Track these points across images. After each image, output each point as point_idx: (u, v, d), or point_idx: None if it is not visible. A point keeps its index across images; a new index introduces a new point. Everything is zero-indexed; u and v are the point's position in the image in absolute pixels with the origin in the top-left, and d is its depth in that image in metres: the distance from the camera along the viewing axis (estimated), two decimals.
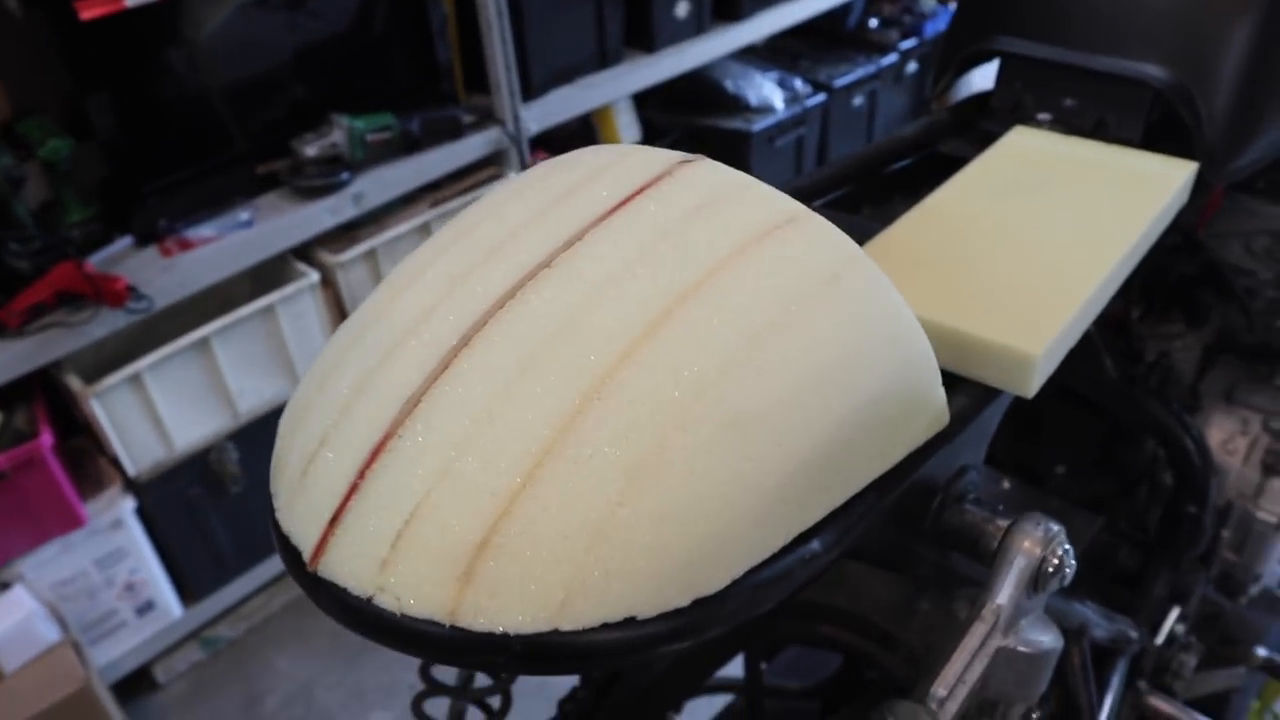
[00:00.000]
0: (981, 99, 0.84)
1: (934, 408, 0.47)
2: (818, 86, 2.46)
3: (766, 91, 2.38)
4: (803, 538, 0.42)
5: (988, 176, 0.70)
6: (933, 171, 0.83)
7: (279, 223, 1.66)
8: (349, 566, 0.38)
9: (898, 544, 0.51)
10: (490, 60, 1.84)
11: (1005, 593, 0.49)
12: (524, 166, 1.94)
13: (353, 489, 0.39)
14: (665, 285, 0.40)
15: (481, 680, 0.76)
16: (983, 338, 0.52)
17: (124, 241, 1.60)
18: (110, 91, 1.53)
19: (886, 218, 0.80)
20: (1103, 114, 0.77)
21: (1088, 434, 0.97)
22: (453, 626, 0.37)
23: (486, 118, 1.91)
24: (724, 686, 1.10)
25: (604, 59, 2.07)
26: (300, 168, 1.71)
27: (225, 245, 1.61)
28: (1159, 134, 0.76)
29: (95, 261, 1.55)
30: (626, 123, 2.39)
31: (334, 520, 0.39)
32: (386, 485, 0.38)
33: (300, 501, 0.41)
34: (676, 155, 0.47)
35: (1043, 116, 0.79)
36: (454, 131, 1.85)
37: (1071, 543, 0.97)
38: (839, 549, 0.45)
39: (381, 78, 1.87)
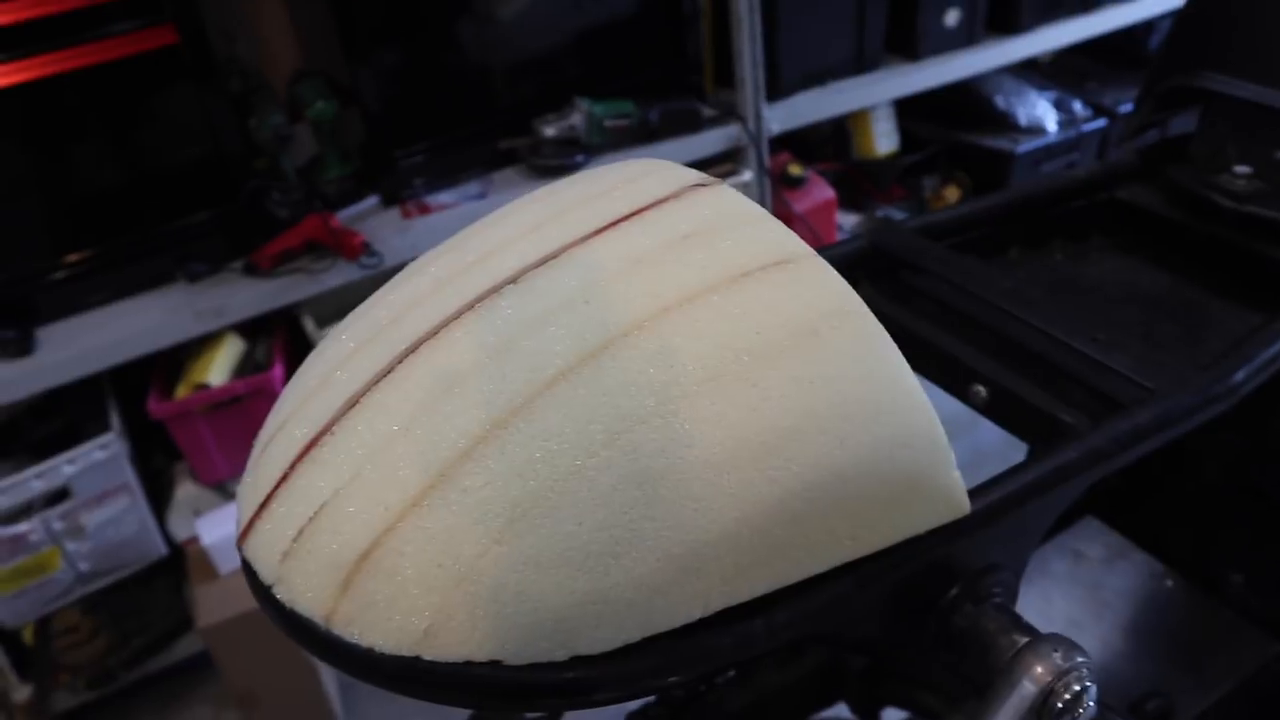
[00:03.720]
0: (1179, 143, 0.73)
1: (940, 493, 0.41)
2: (1099, 111, 2.24)
3: (1039, 111, 2.20)
4: (743, 612, 0.38)
5: None
6: (1104, 218, 0.74)
7: (510, 196, 1.72)
8: (262, 552, 0.39)
9: (901, 640, 0.46)
10: (737, 57, 1.82)
11: (1000, 718, 0.42)
12: (762, 165, 1.92)
13: (283, 478, 0.40)
14: (614, 318, 0.37)
15: None
16: None
17: (372, 200, 1.73)
18: (374, 63, 1.65)
19: (1039, 264, 0.72)
20: None
21: (1278, 538, 0.83)
22: (328, 632, 0.36)
23: (729, 114, 1.89)
24: None
25: (861, 64, 2.00)
26: (538, 146, 1.77)
27: (457, 214, 1.70)
28: None
29: (344, 216, 1.69)
30: (884, 130, 2.30)
31: (264, 504, 0.40)
32: (307, 480, 0.39)
33: (249, 478, 0.42)
34: (695, 177, 0.44)
35: (1241, 170, 0.67)
36: (693, 124, 1.85)
37: (1222, 674, 0.84)
38: (790, 632, 0.41)
39: (633, 65, 1.90)
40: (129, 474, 1.52)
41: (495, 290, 0.40)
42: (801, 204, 1.97)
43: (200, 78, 1.50)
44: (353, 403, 0.40)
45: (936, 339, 0.57)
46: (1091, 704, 0.42)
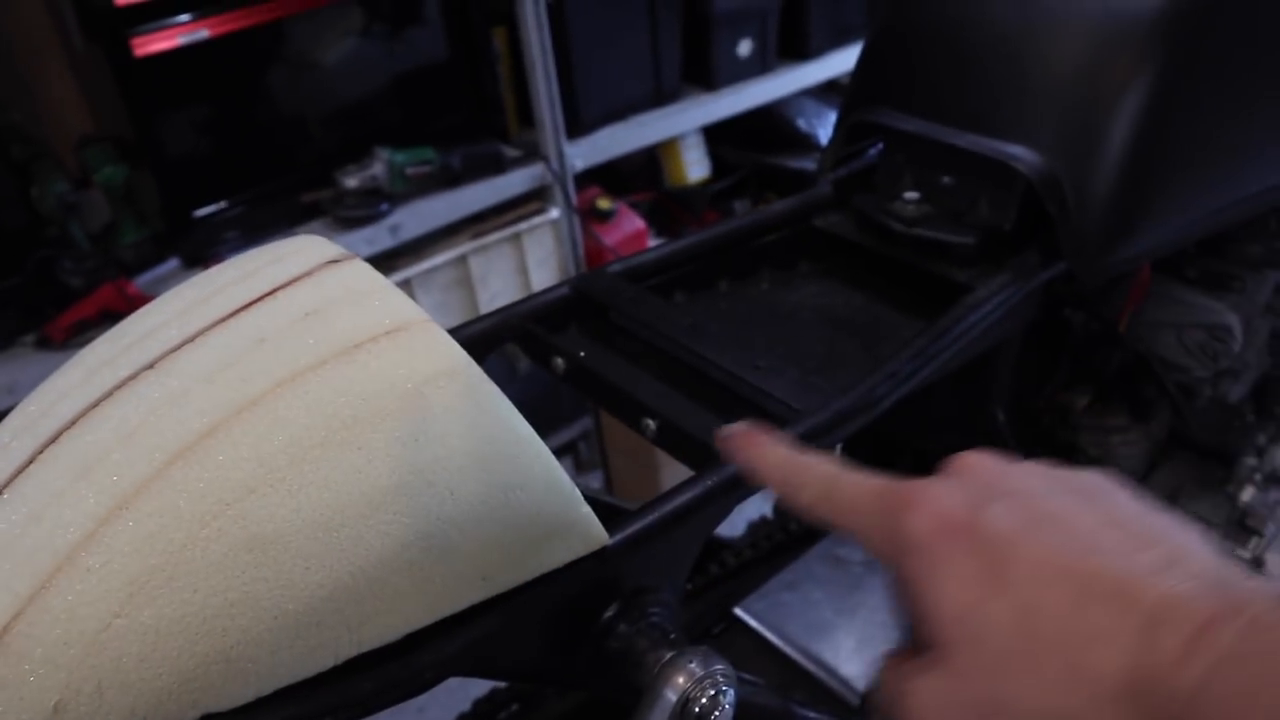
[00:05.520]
0: (866, 173, 0.80)
1: (572, 529, 0.45)
2: None
3: None
4: (386, 655, 0.42)
5: None
6: (806, 246, 0.81)
7: None
8: None
9: (563, 666, 0.50)
10: (535, 98, 1.87)
11: None
12: (568, 202, 1.97)
13: None
14: (230, 397, 0.41)
15: None
16: None
17: (173, 263, 1.71)
18: (164, 123, 1.64)
19: (746, 294, 0.79)
20: (976, 196, 0.73)
21: None
22: None
23: (532, 154, 1.94)
24: None
25: (660, 96, 2.08)
26: (341, 198, 1.78)
27: None
28: (1038, 219, 0.71)
29: (144, 281, 1.66)
30: (695, 159, 2.39)
31: None
32: None
33: None
34: (331, 254, 0.47)
35: (910, 195, 0.75)
36: (496, 166, 1.89)
37: None
38: (439, 669, 0.44)
39: (436, 111, 1.94)
40: None
41: (134, 377, 0.43)
42: (611, 236, 2.03)
43: None
44: None
45: (618, 376, 0.62)
46: (728, 708, 0.47)
